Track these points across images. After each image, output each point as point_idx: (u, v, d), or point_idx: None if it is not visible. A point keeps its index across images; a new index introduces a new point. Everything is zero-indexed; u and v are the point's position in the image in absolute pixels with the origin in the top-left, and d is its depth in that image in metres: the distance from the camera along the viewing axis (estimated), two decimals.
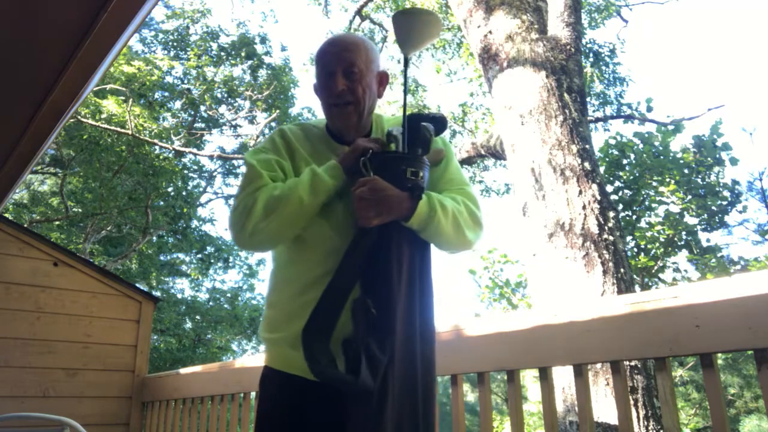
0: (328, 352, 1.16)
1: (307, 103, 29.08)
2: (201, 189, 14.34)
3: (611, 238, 3.58)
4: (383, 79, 1.39)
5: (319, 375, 1.13)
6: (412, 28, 1.32)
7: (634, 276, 7.03)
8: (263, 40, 13.28)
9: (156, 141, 10.15)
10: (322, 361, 1.14)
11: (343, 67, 1.31)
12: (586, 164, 3.86)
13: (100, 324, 3.49)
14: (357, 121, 1.34)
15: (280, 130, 1.42)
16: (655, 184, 7.58)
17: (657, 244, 7.40)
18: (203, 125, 13.24)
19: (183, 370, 3.28)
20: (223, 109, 13.04)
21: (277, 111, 11.99)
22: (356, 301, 1.17)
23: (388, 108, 11.43)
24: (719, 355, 2.47)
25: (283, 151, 1.36)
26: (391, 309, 1.15)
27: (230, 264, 15.93)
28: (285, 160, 1.35)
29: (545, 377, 1.66)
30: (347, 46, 1.33)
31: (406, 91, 1.38)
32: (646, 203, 7.69)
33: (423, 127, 1.27)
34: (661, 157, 7.68)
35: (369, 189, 1.19)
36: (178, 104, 12.51)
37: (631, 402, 2.95)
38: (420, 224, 1.24)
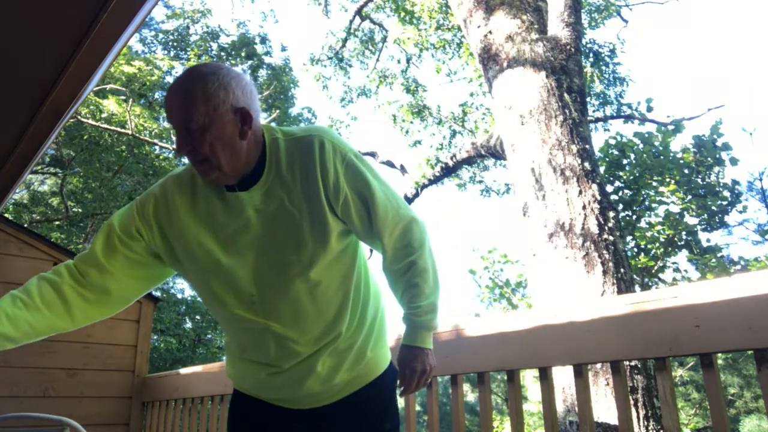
0: None
1: (308, 103, 29.10)
2: None
3: (611, 238, 3.58)
4: (245, 117, 1.16)
5: None
6: None
7: (634, 276, 7.02)
8: (263, 40, 13.29)
9: (156, 141, 10.16)
10: None
11: (182, 124, 1.13)
12: (586, 164, 3.86)
13: (100, 324, 3.44)
14: (222, 175, 1.18)
15: (162, 185, 1.29)
16: (655, 184, 7.57)
17: (657, 244, 7.40)
18: None
19: (183, 370, 3.28)
20: None
21: (277, 111, 11.99)
22: None
23: (389, 108, 11.44)
24: (719, 355, 2.47)
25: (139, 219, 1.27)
26: None
27: None
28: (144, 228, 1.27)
29: (545, 377, 1.66)
30: (182, 100, 1.13)
31: None
32: (646, 203, 7.68)
33: None
34: (661, 157, 7.67)
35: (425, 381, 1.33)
36: None
37: (631, 402, 2.94)
38: (432, 324, 1.32)
